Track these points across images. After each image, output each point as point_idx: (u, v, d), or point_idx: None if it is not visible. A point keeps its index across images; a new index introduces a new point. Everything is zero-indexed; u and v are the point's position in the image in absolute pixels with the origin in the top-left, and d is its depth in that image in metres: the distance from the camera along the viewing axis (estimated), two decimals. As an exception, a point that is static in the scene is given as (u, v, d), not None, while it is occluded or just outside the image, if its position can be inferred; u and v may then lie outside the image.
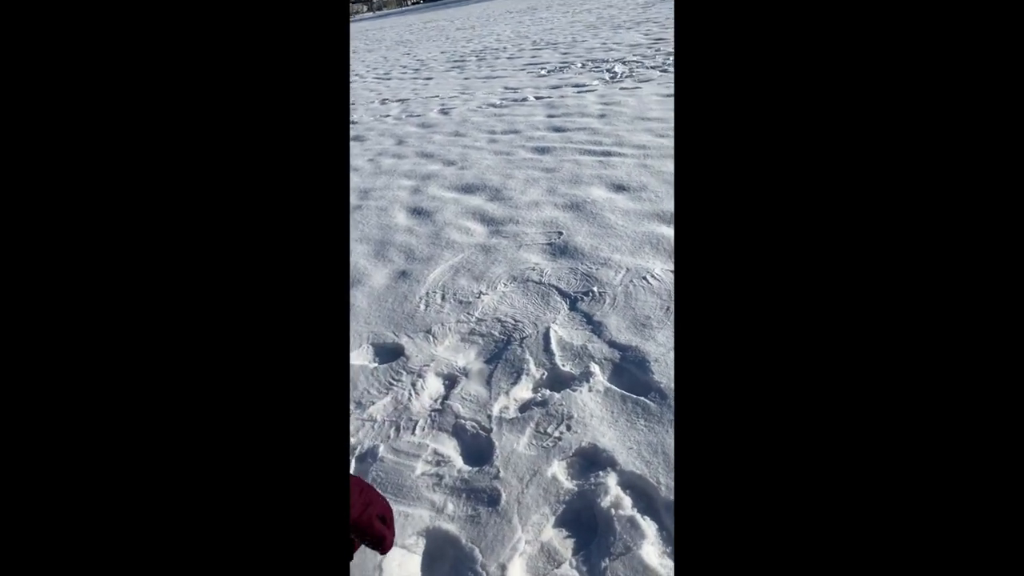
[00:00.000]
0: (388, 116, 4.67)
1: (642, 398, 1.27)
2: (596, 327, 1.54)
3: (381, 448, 1.25)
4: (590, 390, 1.32)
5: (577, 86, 4.59)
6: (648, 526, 0.99)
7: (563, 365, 1.42)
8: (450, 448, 1.24)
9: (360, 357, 1.59)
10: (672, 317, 1.53)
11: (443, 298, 1.80)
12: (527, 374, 1.41)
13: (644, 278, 1.72)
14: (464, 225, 2.31)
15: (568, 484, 1.10)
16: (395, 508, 1.09)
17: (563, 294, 1.72)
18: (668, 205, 2.16)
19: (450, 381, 1.44)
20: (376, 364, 1.55)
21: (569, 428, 1.22)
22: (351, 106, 5.26)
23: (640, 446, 1.15)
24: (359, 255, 2.18)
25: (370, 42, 12.29)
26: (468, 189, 2.72)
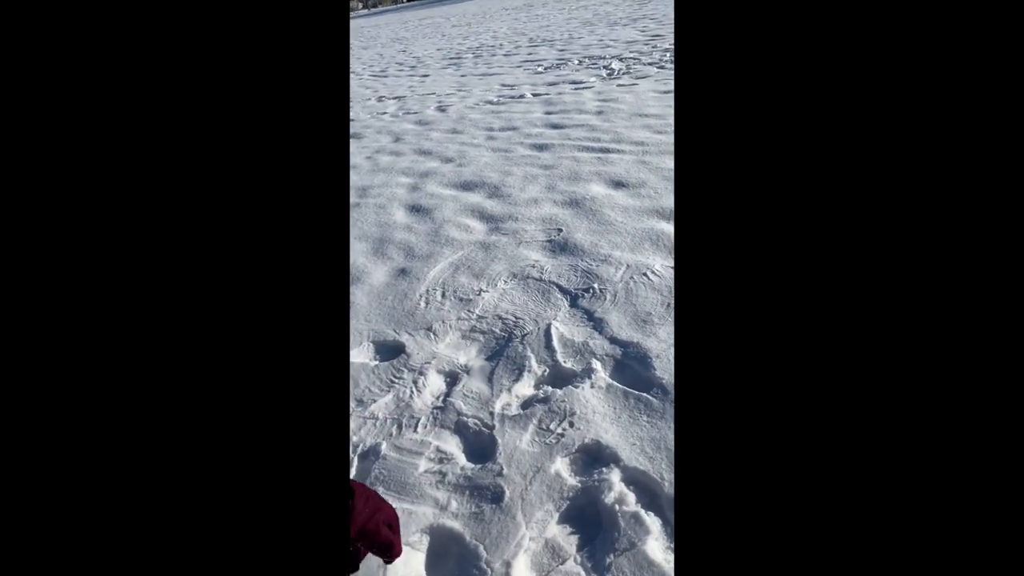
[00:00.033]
0: (385, 113, 4.66)
1: (644, 394, 1.27)
2: (597, 324, 1.54)
3: (383, 446, 1.25)
4: (592, 386, 1.32)
5: (574, 83, 4.59)
6: (652, 522, 0.99)
7: (565, 362, 1.42)
8: (453, 445, 1.24)
9: (361, 355, 1.59)
10: (673, 313, 1.53)
11: (443, 295, 1.79)
12: (529, 371, 1.41)
13: (644, 274, 1.72)
14: (463, 222, 2.30)
15: (572, 480, 1.10)
16: (398, 506, 1.09)
17: (564, 291, 1.72)
18: (667, 201, 2.16)
19: (452, 378, 1.43)
20: (377, 362, 1.55)
21: (572, 425, 1.22)
22: (347, 103, 5.23)
23: (643, 442, 1.15)
24: (358, 253, 2.18)
25: (365, 39, 12.25)
26: (467, 186, 2.71)
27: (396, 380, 1.45)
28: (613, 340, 1.46)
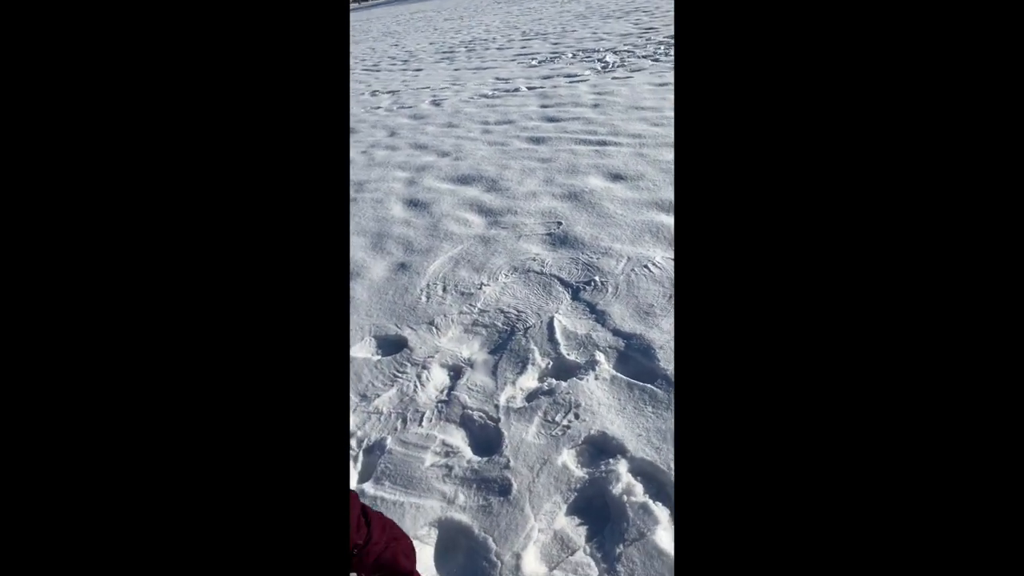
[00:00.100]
0: (379, 108, 4.63)
1: (649, 385, 1.27)
2: (600, 316, 1.54)
3: (389, 440, 1.24)
4: (596, 378, 1.32)
5: (569, 76, 4.57)
6: (661, 511, 0.99)
7: (568, 354, 1.42)
8: (458, 439, 1.24)
9: (363, 350, 1.58)
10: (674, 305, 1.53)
11: (444, 290, 1.79)
12: (533, 364, 1.41)
13: (645, 266, 1.72)
14: (462, 216, 2.30)
15: (579, 472, 1.10)
16: (405, 500, 1.09)
17: (565, 284, 1.72)
18: (666, 193, 2.16)
19: (455, 372, 1.43)
20: (379, 357, 1.54)
21: (577, 416, 1.22)
22: (341, 98, 5.18)
23: (649, 433, 1.15)
24: (356, 248, 2.16)
25: (357, 33, 12.15)
26: (464, 180, 2.70)
27: (399, 374, 1.44)
28: (616, 332, 1.46)
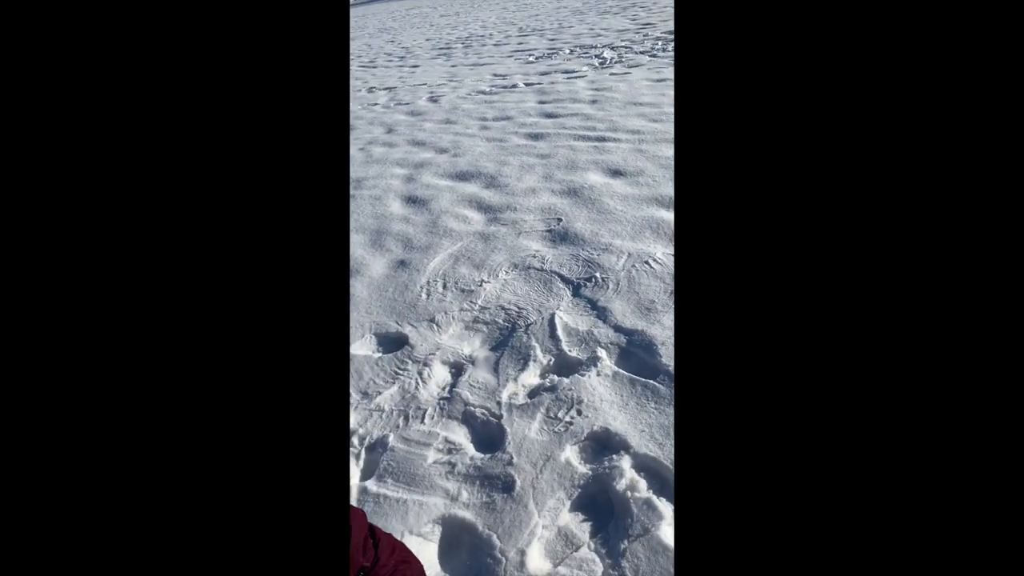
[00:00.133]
0: (376, 104, 4.61)
1: (651, 381, 1.27)
2: (601, 312, 1.54)
3: (391, 437, 1.24)
4: (598, 374, 1.32)
5: (567, 72, 4.56)
6: (665, 507, 0.99)
7: (570, 351, 1.42)
8: (461, 436, 1.23)
9: (364, 347, 1.58)
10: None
11: (444, 287, 1.78)
12: (534, 360, 1.41)
13: (646, 262, 1.72)
14: (461, 213, 2.29)
15: (582, 468, 1.10)
16: (408, 497, 1.09)
17: (566, 280, 1.72)
18: (666, 189, 2.16)
19: (457, 369, 1.43)
20: (380, 354, 1.54)
21: (580, 412, 1.22)
22: (337, 95, 5.16)
23: (652, 428, 1.15)
24: (355, 245, 2.16)
25: (353, 29, 12.11)
26: (463, 176, 2.69)
27: (401, 372, 1.44)
28: (617, 328, 1.46)
